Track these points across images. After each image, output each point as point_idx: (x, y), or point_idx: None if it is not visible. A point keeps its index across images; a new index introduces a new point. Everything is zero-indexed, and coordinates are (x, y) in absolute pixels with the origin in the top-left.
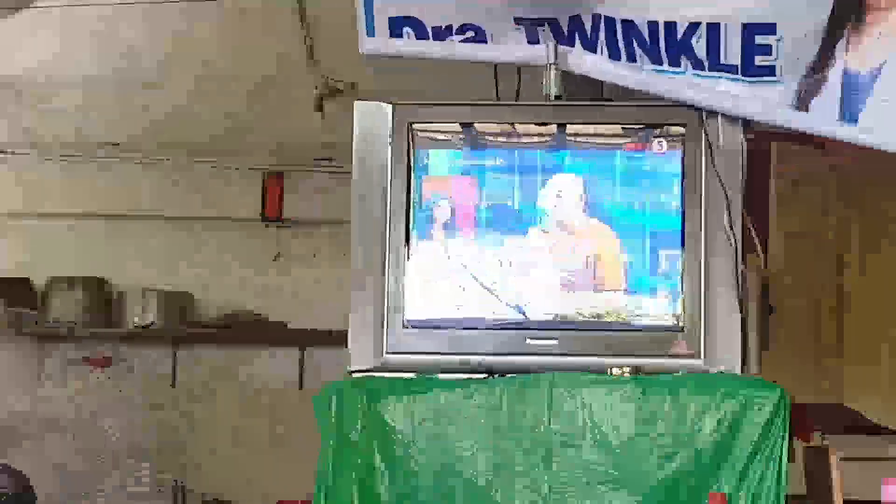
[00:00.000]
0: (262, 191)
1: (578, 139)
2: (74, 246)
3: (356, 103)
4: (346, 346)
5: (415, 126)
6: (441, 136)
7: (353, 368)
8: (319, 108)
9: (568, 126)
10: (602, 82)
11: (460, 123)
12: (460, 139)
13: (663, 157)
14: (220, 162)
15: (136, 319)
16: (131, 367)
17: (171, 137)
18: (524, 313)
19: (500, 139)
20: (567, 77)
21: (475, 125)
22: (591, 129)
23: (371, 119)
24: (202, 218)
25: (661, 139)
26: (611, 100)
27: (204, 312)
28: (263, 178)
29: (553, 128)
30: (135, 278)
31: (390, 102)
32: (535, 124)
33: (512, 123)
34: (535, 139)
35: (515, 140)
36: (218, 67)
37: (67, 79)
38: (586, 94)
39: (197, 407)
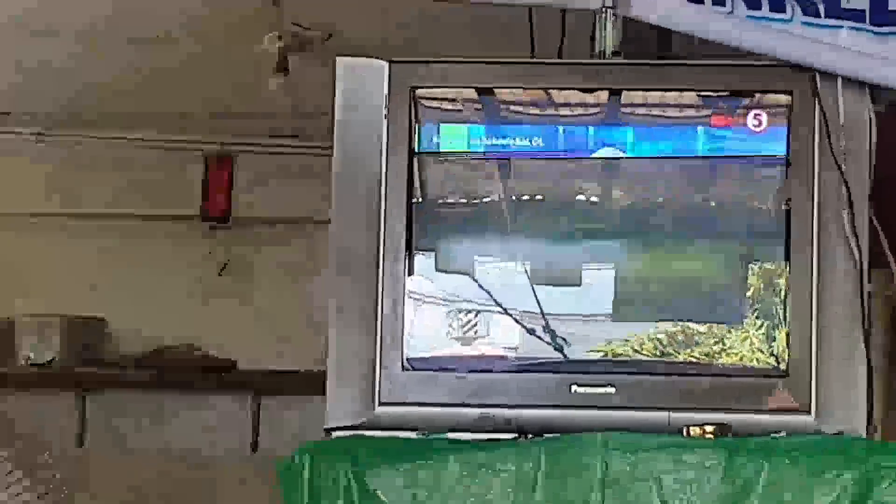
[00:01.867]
0: (204, 180)
1: (639, 111)
2: None
3: (339, 59)
4: (322, 394)
5: (419, 92)
6: (453, 107)
7: (332, 425)
8: (283, 66)
9: (625, 93)
10: (672, 36)
11: (478, 89)
12: (478, 111)
13: (761, 136)
14: (144, 140)
15: (30, 355)
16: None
17: (77, 104)
18: (562, 351)
19: (532, 111)
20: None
21: (497, 93)
22: (657, 97)
23: (359, 81)
24: (121, 216)
25: (759, 112)
26: (686, 59)
27: (123, 345)
28: (205, 162)
29: (604, 95)
30: (29, 301)
31: (386, 60)
32: (581, 90)
33: (547, 90)
34: (580, 111)
35: (552, 112)
36: (139, 10)
37: None
38: (649, 53)
39: (110, 476)
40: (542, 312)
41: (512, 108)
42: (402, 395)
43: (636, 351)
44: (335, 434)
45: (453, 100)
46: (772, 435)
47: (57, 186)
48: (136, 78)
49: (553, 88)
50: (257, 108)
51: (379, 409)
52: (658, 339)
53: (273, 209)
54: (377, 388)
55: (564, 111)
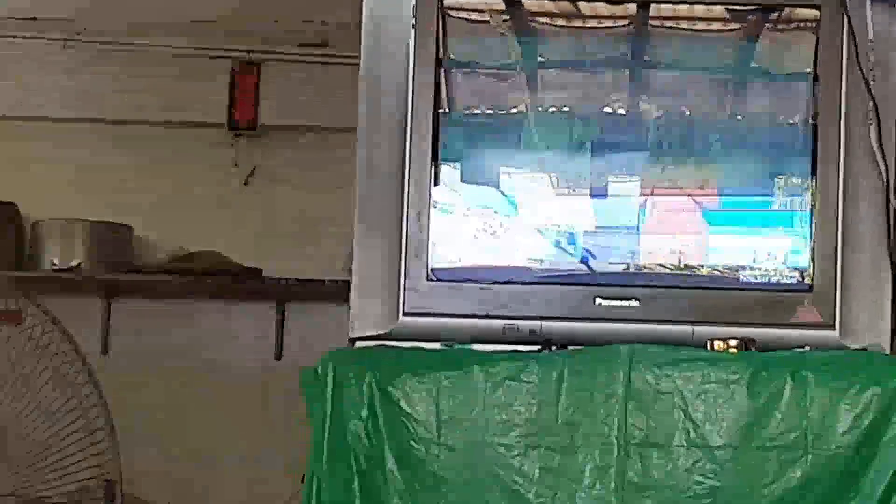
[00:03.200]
0: (230, 87)
1: (667, 24)
2: None
3: None
4: (345, 303)
5: (447, 2)
6: (481, 18)
7: (356, 334)
8: None
9: (654, 6)
10: None
11: (505, 1)
12: (505, 22)
13: (788, 49)
14: (169, 47)
15: (54, 260)
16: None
17: (104, 9)
18: (587, 263)
19: (561, 23)
20: None
21: (526, 4)
22: (683, 9)
23: None
24: (146, 122)
25: (785, 24)
26: None
27: (148, 253)
28: (232, 70)
29: (631, 8)
30: (54, 204)
31: None
32: (610, 2)
33: (576, 1)
34: (607, 24)
35: (580, 25)
36: None
37: None
38: None
39: (134, 384)
40: (567, 224)
41: (540, 20)
42: (426, 305)
43: (660, 264)
44: (359, 344)
45: (481, 11)
46: (796, 350)
47: (82, 93)
48: None
49: (582, 1)
50: (285, 15)
51: (403, 320)
52: (682, 252)
53: (299, 118)
54: (402, 299)
55: (593, 23)
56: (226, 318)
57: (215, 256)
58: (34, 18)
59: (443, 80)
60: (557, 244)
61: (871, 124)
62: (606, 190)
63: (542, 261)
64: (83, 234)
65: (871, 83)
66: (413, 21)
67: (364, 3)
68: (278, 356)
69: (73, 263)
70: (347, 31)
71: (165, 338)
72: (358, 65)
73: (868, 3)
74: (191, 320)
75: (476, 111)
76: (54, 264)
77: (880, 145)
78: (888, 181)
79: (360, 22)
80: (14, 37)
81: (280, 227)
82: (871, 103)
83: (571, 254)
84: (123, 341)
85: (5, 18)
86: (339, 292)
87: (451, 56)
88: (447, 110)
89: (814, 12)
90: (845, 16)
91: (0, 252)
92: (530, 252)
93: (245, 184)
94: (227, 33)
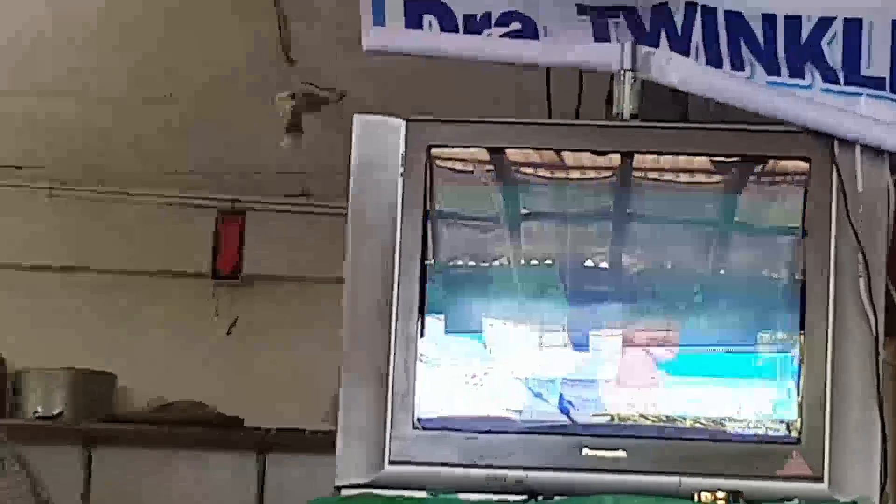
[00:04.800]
0: (215, 236)
1: (653, 175)
2: None
3: (357, 117)
4: (326, 454)
5: (434, 151)
6: (466, 168)
7: (342, 482)
8: (296, 125)
9: (640, 157)
10: (687, 101)
11: (492, 150)
12: (491, 172)
13: (775, 202)
14: (155, 196)
15: (38, 409)
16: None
17: (90, 159)
18: (568, 414)
19: (545, 174)
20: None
21: (512, 154)
22: (671, 161)
23: (375, 140)
24: (131, 272)
25: (775, 178)
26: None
27: (130, 401)
28: (217, 219)
29: (615, 158)
30: (38, 355)
31: (401, 117)
32: (596, 153)
33: (561, 151)
34: (592, 175)
35: (562, 176)
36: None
37: None
38: (662, 114)
39: None
40: (548, 375)
41: (525, 170)
42: (412, 454)
43: (642, 416)
44: (344, 492)
45: (467, 160)
46: (784, 502)
47: (67, 241)
48: (148, 134)
49: (571, 150)
50: (270, 166)
51: (389, 468)
52: (664, 404)
53: (282, 268)
54: (387, 447)
55: (576, 174)
56: (206, 467)
57: (196, 406)
58: (19, 167)
59: (429, 230)
60: (539, 395)
61: (860, 277)
62: (587, 342)
63: (524, 411)
64: (65, 381)
65: (860, 236)
66: (401, 169)
67: (353, 150)
68: None
69: (55, 412)
70: (330, 180)
71: (144, 487)
72: (339, 214)
73: (858, 156)
74: (170, 470)
75: (459, 262)
76: (37, 412)
77: (870, 298)
78: (877, 333)
79: (348, 170)
80: None
81: (262, 376)
82: (860, 256)
83: (553, 405)
84: (103, 490)
85: None
86: (320, 442)
87: (438, 206)
88: (433, 261)
89: (802, 164)
90: (834, 167)
91: None
92: (512, 402)
93: (228, 333)
94: (210, 182)
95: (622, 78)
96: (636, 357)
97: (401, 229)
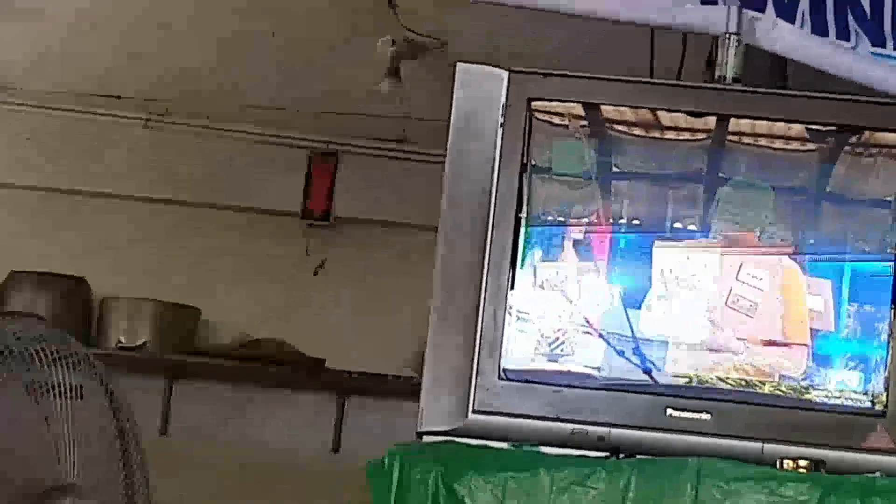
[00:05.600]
0: (307, 177)
1: (749, 140)
2: (36, 228)
3: (460, 66)
4: (406, 400)
5: (534, 104)
6: (565, 122)
7: (425, 429)
8: (395, 71)
9: (737, 121)
10: (787, 68)
11: (590, 107)
12: (588, 128)
13: (873, 175)
14: (250, 133)
15: (121, 338)
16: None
17: (187, 93)
18: (650, 373)
19: (642, 133)
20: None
21: (610, 112)
22: (767, 127)
23: (477, 89)
24: (218, 207)
25: (871, 150)
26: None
27: (214, 336)
28: (309, 160)
29: (712, 122)
30: (124, 282)
31: (504, 68)
32: (694, 115)
33: (658, 111)
34: (687, 136)
35: (660, 136)
36: (256, 1)
37: None
38: (761, 80)
39: (190, 468)
40: (633, 334)
41: (622, 128)
42: (496, 404)
43: (721, 379)
44: (426, 438)
45: (566, 115)
46: (866, 475)
47: (160, 172)
48: (246, 70)
49: (669, 111)
50: (365, 110)
51: (472, 417)
52: (746, 370)
53: (373, 212)
54: (472, 396)
55: (672, 135)
56: (286, 406)
57: (279, 345)
58: (118, 97)
59: (524, 184)
60: (621, 353)
61: None
62: (671, 304)
63: (606, 368)
64: (151, 313)
65: None
66: (501, 119)
67: (455, 98)
68: (336, 449)
69: (140, 342)
70: (424, 126)
71: (224, 423)
72: (433, 162)
73: None
74: (251, 407)
75: (550, 217)
76: (121, 342)
77: None
78: None
79: (449, 117)
80: (96, 113)
81: (346, 319)
82: None
83: (636, 363)
84: (183, 423)
85: (89, 95)
86: (400, 389)
87: (534, 160)
88: (530, 216)
89: None
90: None
91: (67, 326)
92: (595, 359)
93: (315, 274)
94: (305, 123)
95: (727, 41)
96: (719, 322)
97: (497, 181)
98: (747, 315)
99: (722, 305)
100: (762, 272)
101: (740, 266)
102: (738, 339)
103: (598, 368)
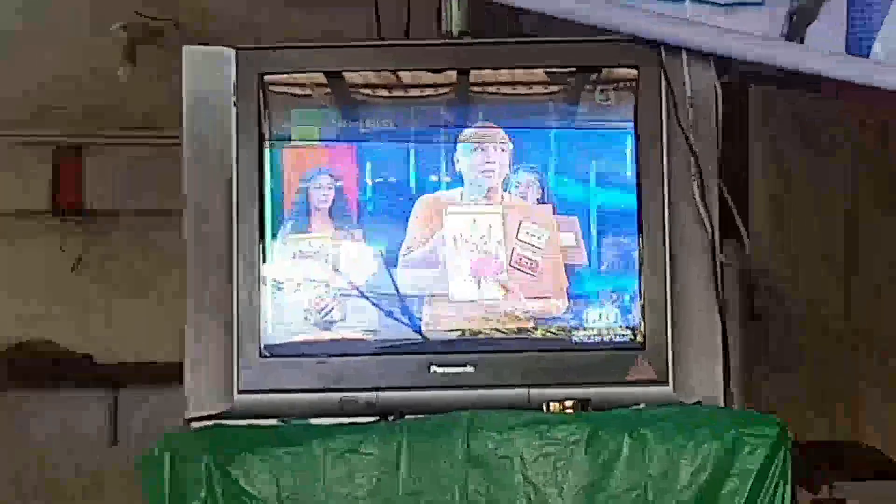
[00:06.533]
0: (54, 172)
1: (489, 90)
2: None
3: (185, 48)
4: (180, 385)
5: (268, 78)
6: (302, 92)
7: (192, 415)
8: (130, 56)
9: (474, 73)
10: (519, 16)
11: (327, 73)
12: (327, 95)
13: (609, 110)
14: None
15: None
16: None
17: None
18: (420, 331)
19: (382, 93)
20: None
21: (347, 76)
22: (505, 75)
23: (206, 70)
24: None
25: (606, 86)
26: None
27: None
28: (55, 155)
29: (453, 75)
30: None
31: (232, 46)
32: (430, 71)
33: (396, 71)
34: (429, 92)
35: (402, 94)
36: None
37: None
38: (499, 32)
39: None
40: (398, 293)
41: (362, 91)
42: (261, 382)
43: (495, 329)
44: (195, 424)
45: (303, 85)
46: (632, 407)
47: None
48: None
49: (402, 70)
50: (107, 99)
51: (239, 398)
52: (515, 316)
53: (125, 202)
54: (236, 377)
55: (414, 92)
56: (59, 406)
57: (47, 344)
58: None
59: (266, 156)
60: (390, 314)
61: (694, 181)
62: (436, 258)
63: (375, 331)
64: None
65: (691, 140)
66: (234, 98)
67: (184, 82)
68: (113, 442)
69: None
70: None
71: None
72: (181, 144)
73: (685, 61)
74: (24, 410)
75: (302, 185)
76: None
77: (703, 201)
78: (713, 235)
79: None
80: None
81: (110, 311)
82: (692, 159)
83: (405, 323)
84: None
85: None
86: (173, 374)
87: (275, 132)
88: (273, 187)
89: (632, 71)
90: (663, 73)
91: None
92: (363, 324)
93: (72, 269)
94: (48, 119)
95: None
96: (486, 268)
97: (237, 158)
98: (517, 267)
99: (485, 253)
100: (515, 215)
101: (505, 216)
102: (503, 285)
103: (375, 332)
